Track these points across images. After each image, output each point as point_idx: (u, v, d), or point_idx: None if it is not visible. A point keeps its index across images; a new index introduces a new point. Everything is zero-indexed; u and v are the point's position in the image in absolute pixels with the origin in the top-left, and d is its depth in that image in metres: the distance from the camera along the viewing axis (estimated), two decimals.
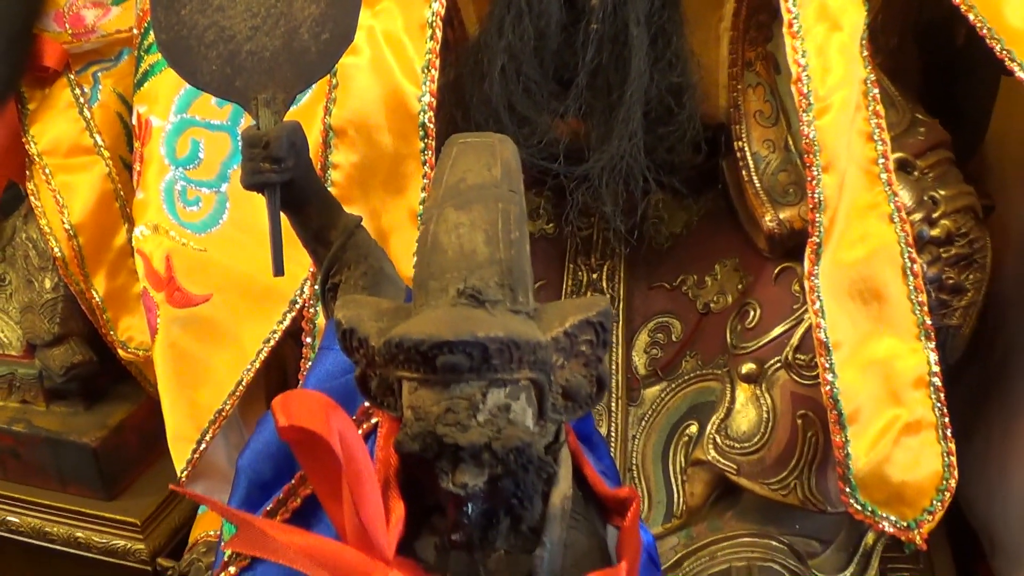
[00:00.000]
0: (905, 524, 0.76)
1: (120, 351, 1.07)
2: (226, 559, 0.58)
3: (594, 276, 0.92)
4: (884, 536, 0.95)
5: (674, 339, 0.90)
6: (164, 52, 0.56)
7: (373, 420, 0.56)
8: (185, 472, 0.85)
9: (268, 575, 0.56)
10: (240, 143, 0.54)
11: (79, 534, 1.13)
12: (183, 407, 0.84)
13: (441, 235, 0.48)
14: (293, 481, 0.56)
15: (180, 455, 0.85)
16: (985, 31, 0.75)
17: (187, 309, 0.82)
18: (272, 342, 0.81)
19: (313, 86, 0.81)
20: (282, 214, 0.57)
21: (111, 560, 1.13)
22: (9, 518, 1.16)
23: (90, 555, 1.14)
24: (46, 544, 1.15)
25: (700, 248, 0.91)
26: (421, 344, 0.44)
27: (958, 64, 1.02)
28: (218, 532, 0.89)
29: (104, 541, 1.12)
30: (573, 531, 0.51)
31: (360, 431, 0.55)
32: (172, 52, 0.57)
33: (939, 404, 0.76)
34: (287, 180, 0.55)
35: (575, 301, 0.48)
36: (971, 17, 0.75)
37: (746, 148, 0.82)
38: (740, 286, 0.88)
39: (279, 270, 0.55)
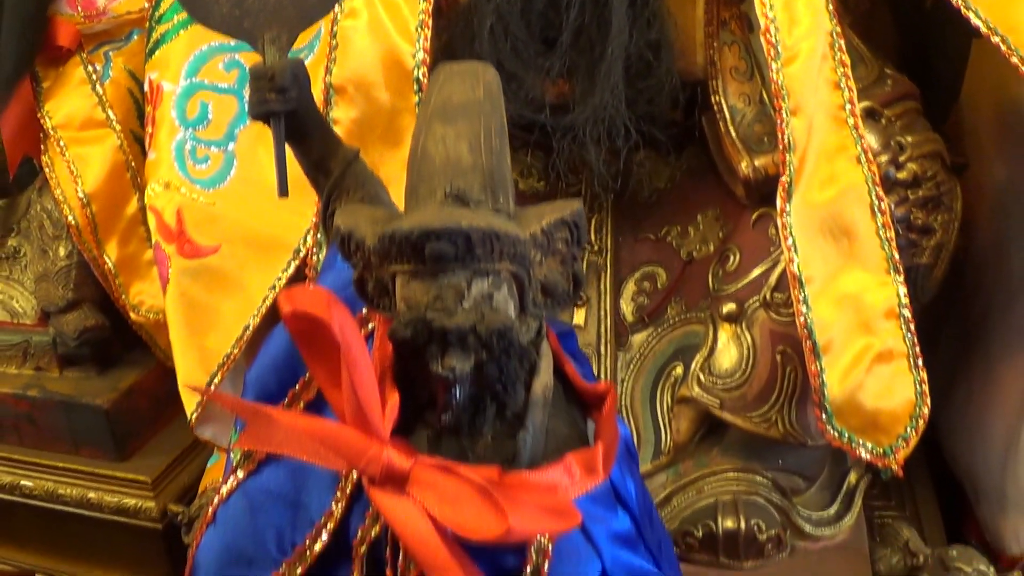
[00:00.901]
0: (881, 451, 0.81)
1: (132, 314, 1.13)
2: (234, 464, 0.63)
3: (588, 232, 0.98)
4: (866, 476, 1.00)
5: (659, 287, 0.96)
6: (197, 16, 0.62)
7: (370, 326, 0.62)
8: (195, 415, 0.91)
9: (273, 476, 0.62)
10: (248, 77, 0.60)
11: (91, 495, 1.18)
12: (193, 353, 0.90)
13: (429, 146, 0.54)
14: (296, 387, 0.62)
15: (190, 399, 0.90)
16: None
17: (197, 260, 0.88)
18: (277, 289, 0.86)
19: (317, 42, 0.88)
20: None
21: (122, 520, 1.18)
22: (23, 482, 1.22)
23: (101, 515, 1.19)
24: (59, 507, 1.20)
25: (683, 201, 0.97)
26: (411, 234, 0.49)
27: (929, 28, 1.07)
28: None
29: (115, 500, 1.17)
30: (555, 420, 0.57)
31: None
32: (197, 14, 0.63)
33: (910, 335, 0.81)
34: (291, 110, 0.61)
35: (551, 204, 0.54)
36: None
37: (723, 102, 0.88)
38: (721, 234, 0.93)
39: (283, 192, 0.60)
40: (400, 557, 0.54)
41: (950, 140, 1.09)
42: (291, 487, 0.61)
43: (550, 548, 0.52)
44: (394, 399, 0.54)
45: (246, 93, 0.64)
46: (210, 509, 0.63)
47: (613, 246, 0.97)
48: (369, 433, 0.52)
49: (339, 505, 0.59)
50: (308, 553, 0.60)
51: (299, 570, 0.60)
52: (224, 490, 0.63)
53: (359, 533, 0.58)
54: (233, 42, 0.88)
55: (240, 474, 0.63)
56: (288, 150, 0.63)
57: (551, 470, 0.52)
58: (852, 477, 0.97)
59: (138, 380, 1.19)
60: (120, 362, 1.22)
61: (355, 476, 0.58)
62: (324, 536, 0.59)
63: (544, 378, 0.55)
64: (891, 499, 1.13)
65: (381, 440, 0.52)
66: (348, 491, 0.59)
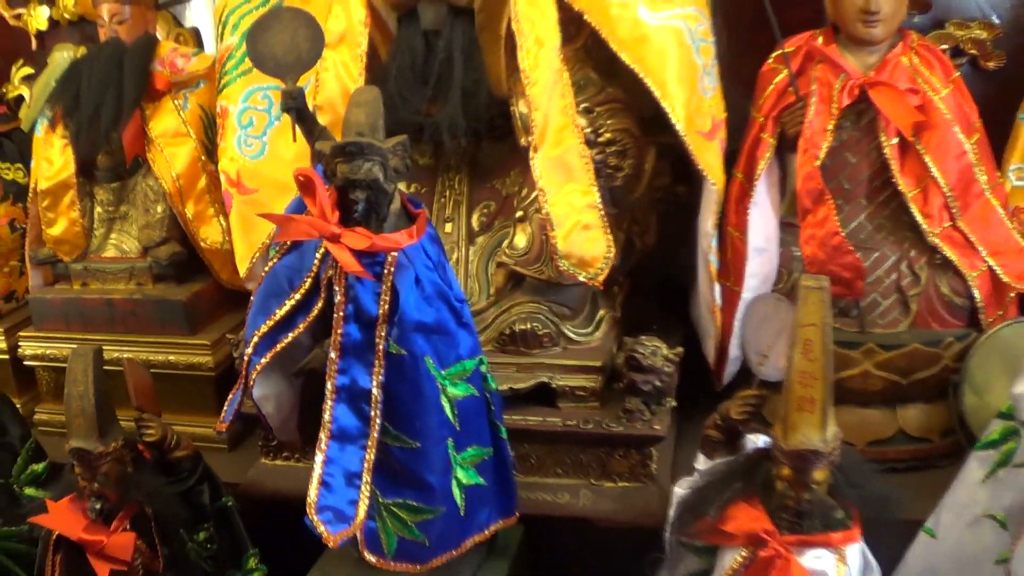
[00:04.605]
0: (589, 276, 1.87)
1: (201, 244, 2.24)
2: (271, 257, 1.70)
3: (451, 183, 2.08)
4: (612, 312, 2.07)
5: (491, 211, 2.05)
6: (256, 63, 1.72)
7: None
8: (245, 274, 2.00)
9: (289, 258, 1.65)
10: (282, 94, 1.69)
11: (171, 357, 2.26)
12: (244, 243, 1.98)
13: (350, 115, 1.62)
14: None
15: (242, 267, 1.99)
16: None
17: (247, 195, 1.98)
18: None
19: (311, 76, 1.99)
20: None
21: (189, 373, 2.27)
22: (126, 355, 2.30)
23: (177, 372, 2.27)
24: (166, 372, 2.27)
25: (504, 166, 2.05)
26: (344, 144, 1.57)
27: None
28: None
29: (186, 359, 2.25)
30: (399, 221, 1.64)
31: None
32: (257, 62, 1.73)
33: (602, 216, 1.86)
34: (299, 107, 1.70)
35: (395, 137, 1.63)
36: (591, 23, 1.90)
37: (516, 110, 1.97)
38: (521, 180, 2.02)
39: (295, 139, 1.70)
40: (339, 277, 1.61)
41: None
42: (297, 263, 1.68)
43: (394, 263, 1.59)
44: (336, 215, 1.62)
45: (274, 109, 1.74)
46: (261, 275, 1.71)
47: (468, 191, 2.07)
48: (327, 222, 1.60)
49: (316, 264, 1.66)
50: (302, 287, 1.66)
51: (297, 295, 1.66)
52: (267, 268, 1.71)
53: (325, 274, 1.65)
54: (266, 83, 1.99)
55: (275, 260, 1.70)
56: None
57: (395, 234, 1.60)
58: (601, 312, 2.04)
59: (202, 288, 2.29)
60: (190, 280, 2.32)
61: (323, 249, 1.65)
62: (309, 279, 1.66)
63: (395, 205, 1.63)
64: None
65: (331, 223, 1.60)
66: (319, 258, 1.65)
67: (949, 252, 2.01)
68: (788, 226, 2.10)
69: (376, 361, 1.56)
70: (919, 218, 2.01)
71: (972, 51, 2.36)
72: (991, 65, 2.37)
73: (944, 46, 2.33)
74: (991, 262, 2.03)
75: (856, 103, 2.00)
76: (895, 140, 2.01)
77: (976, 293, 2.02)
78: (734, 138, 2.11)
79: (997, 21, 2.34)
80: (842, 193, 2.06)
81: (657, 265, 2.24)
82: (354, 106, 1.62)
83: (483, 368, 1.70)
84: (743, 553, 1.53)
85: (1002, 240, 2.04)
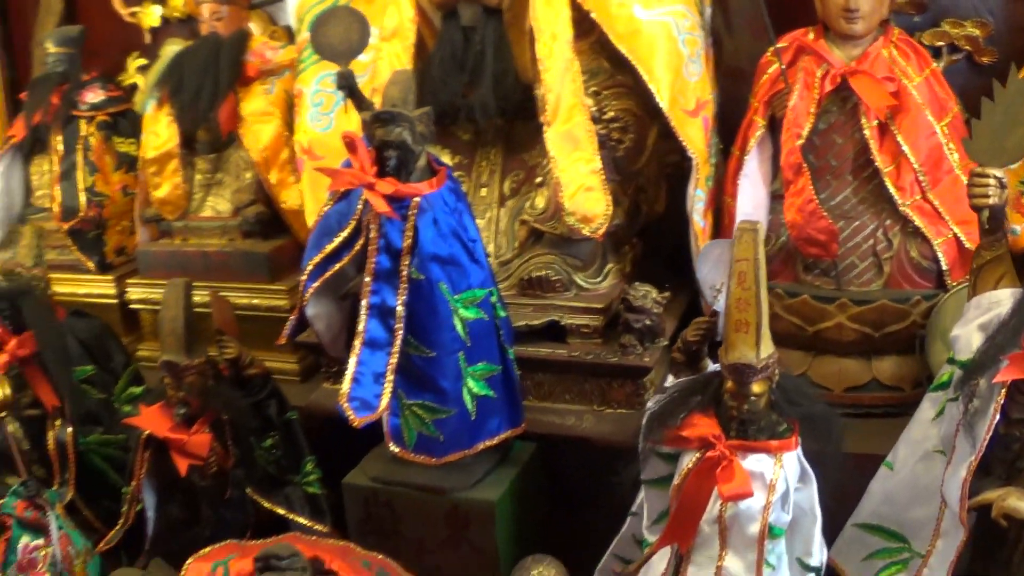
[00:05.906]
0: (591, 230, 2.35)
1: (282, 205, 2.81)
2: (325, 204, 2.24)
3: (488, 155, 2.60)
4: (621, 267, 2.54)
5: (520, 178, 2.54)
6: (316, 50, 2.28)
7: None
8: (311, 226, 2.55)
9: (339, 206, 2.17)
10: (336, 75, 2.24)
11: (255, 300, 2.83)
12: (313, 200, 2.52)
13: (386, 92, 2.15)
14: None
15: (310, 220, 2.53)
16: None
17: (316, 160, 2.53)
18: None
19: (368, 72, 2.53)
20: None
21: (270, 314, 2.83)
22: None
23: (259, 313, 2.83)
24: (237, 312, 2.86)
25: (530, 141, 2.55)
26: (380, 112, 2.10)
27: None
28: None
29: (267, 303, 2.82)
30: (424, 174, 2.17)
31: None
32: (317, 49, 2.29)
33: (607, 180, 2.35)
34: (351, 85, 2.25)
35: (422, 109, 2.15)
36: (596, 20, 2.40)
37: (539, 92, 2.47)
38: (543, 151, 2.51)
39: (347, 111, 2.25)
40: (374, 218, 2.13)
41: None
42: (345, 209, 2.20)
43: (416, 207, 2.10)
44: (373, 169, 2.15)
45: (339, 92, 2.31)
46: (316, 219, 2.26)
47: (502, 162, 2.58)
48: (366, 173, 2.14)
49: (359, 210, 2.19)
50: (348, 227, 2.17)
51: (343, 234, 2.18)
52: (321, 212, 2.25)
53: (365, 217, 2.18)
54: (334, 70, 2.54)
55: (328, 206, 2.24)
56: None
57: (418, 184, 2.12)
58: (610, 266, 2.51)
59: (283, 243, 2.85)
60: (273, 236, 2.88)
61: (364, 199, 2.18)
62: (354, 221, 2.19)
63: (422, 163, 2.15)
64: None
65: (368, 175, 2.13)
66: (361, 206, 2.19)
67: (918, 221, 2.40)
68: (780, 198, 2.51)
69: (401, 285, 2.07)
70: (892, 190, 2.41)
71: (967, 48, 2.74)
72: (985, 60, 2.74)
73: (940, 43, 2.74)
74: (957, 230, 2.40)
75: (840, 90, 2.42)
76: (875, 123, 2.41)
77: (942, 257, 2.40)
78: None
79: (990, 20, 2.72)
80: (830, 170, 2.48)
81: (672, 233, 2.70)
82: (390, 84, 2.15)
83: (493, 299, 2.19)
84: (696, 455, 1.91)
85: (969, 211, 2.41)
